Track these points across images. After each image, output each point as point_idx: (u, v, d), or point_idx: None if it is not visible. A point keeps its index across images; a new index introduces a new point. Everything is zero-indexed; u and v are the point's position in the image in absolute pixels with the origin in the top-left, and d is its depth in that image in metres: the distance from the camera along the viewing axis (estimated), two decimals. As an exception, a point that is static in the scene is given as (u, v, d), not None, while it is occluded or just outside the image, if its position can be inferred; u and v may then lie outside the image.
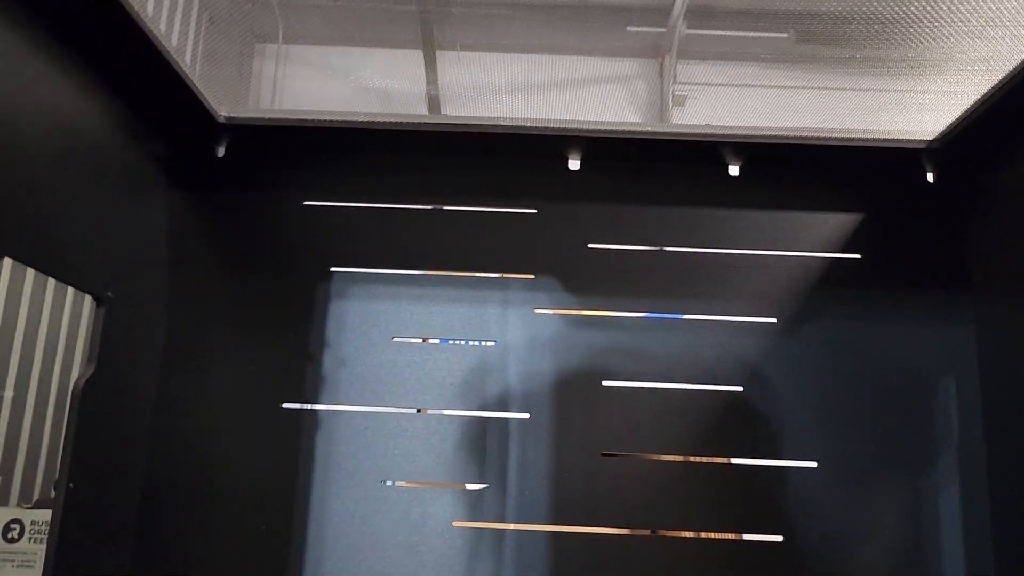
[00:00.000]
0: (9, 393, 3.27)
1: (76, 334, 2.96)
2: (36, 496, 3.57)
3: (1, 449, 3.42)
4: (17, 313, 2.97)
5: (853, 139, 1.17)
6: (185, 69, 1.06)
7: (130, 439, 1.14)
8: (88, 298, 1.02)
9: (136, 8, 0.93)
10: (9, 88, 0.83)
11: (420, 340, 1.22)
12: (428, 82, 2.26)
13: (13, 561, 2.80)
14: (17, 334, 2.89)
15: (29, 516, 2.83)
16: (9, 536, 2.80)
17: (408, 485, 1.18)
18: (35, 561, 2.82)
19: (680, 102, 3.23)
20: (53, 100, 0.91)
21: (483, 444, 1.19)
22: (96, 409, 1.03)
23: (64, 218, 0.95)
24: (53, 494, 2.66)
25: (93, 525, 1.05)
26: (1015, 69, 0.96)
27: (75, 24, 0.91)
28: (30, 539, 2.79)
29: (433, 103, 2.36)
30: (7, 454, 3.44)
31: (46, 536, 2.76)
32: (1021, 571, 1.04)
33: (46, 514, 2.82)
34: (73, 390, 1.02)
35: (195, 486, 1.17)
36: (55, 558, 0.97)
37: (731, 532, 1.15)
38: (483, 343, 1.22)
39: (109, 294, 1.05)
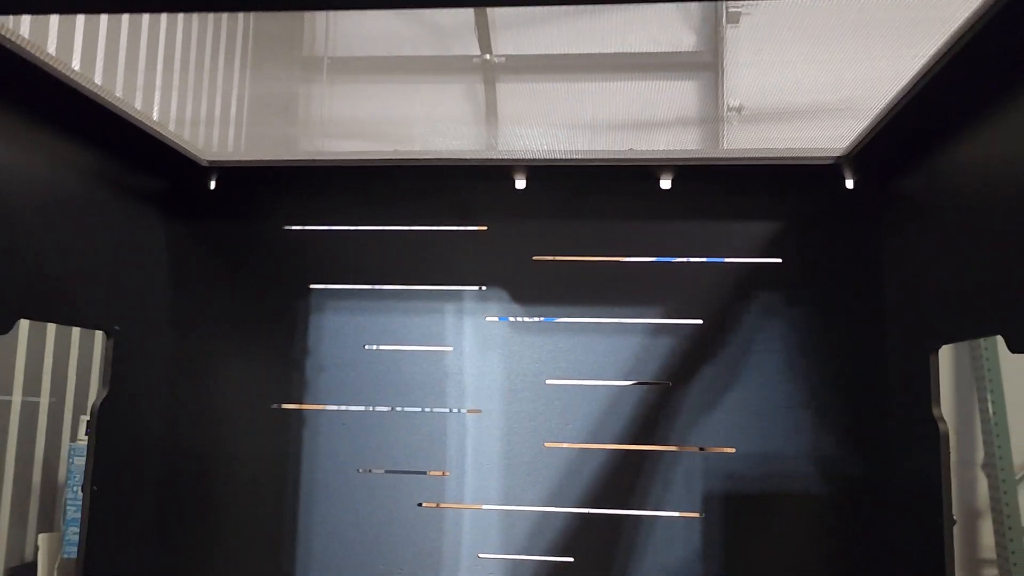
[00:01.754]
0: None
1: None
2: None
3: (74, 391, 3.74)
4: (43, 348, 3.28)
5: (773, 157, 1.27)
6: (163, 132, 1.21)
7: (146, 445, 1.35)
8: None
9: (104, 94, 1.08)
10: (5, 169, 1.00)
11: (388, 347, 1.39)
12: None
13: None
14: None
15: None
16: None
17: (381, 472, 1.38)
18: None
19: (734, 19, 3.26)
20: (42, 172, 1.08)
21: (443, 437, 1.37)
22: (112, 424, 1.24)
23: (69, 270, 1.13)
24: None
25: (117, 520, 1.27)
26: (915, 76, 1.03)
27: (54, 108, 1.07)
28: None
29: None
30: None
31: None
32: (905, 556, 1.18)
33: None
34: (91, 410, 1.23)
35: (205, 480, 1.38)
36: (85, 553, 1.19)
37: (659, 510, 1.32)
38: (442, 348, 1.39)
39: (116, 327, 1.24)
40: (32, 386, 3.36)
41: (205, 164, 1.33)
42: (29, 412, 3.32)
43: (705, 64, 3.24)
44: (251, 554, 1.36)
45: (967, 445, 3.99)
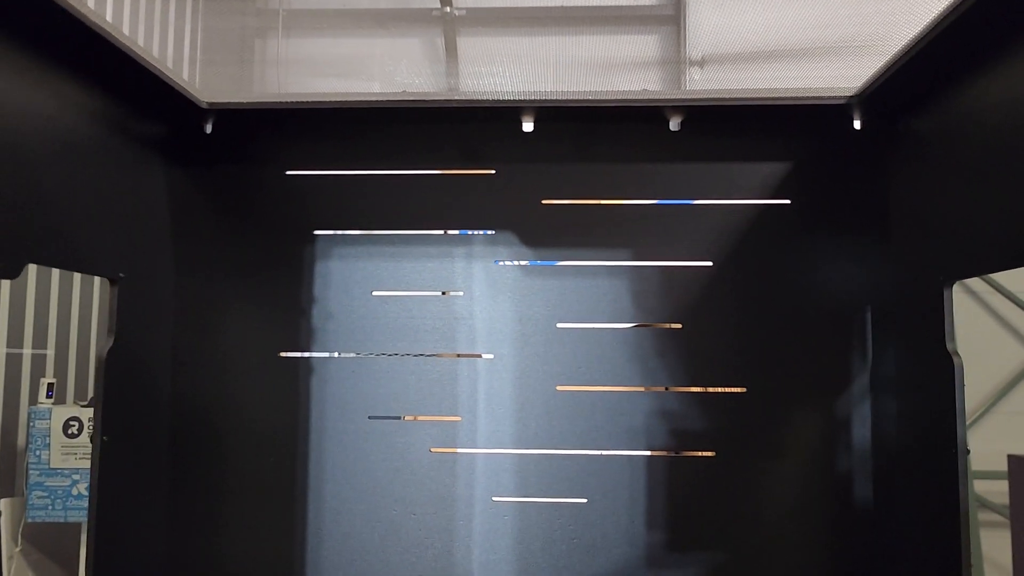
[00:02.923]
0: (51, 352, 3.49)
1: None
2: (91, 395, 3.82)
3: (53, 356, 3.66)
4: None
5: (783, 97, 1.27)
6: (165, 71, 1.16)
7: (153, 394, 1.32)
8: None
9: (111, 29, 1.03)
10: (12, 110, 0.95)
11: (397, 293, 1.37)
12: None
13: (75, 454, 3.07)
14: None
15: (86, 413, 3.08)
16: (69, 432, 3.06)
17: (390, 419, 1.36)
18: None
19: None
20: (50, 114, 1.03)
21: (455, 382, 1.36)
22: (119, 373, 1.20)
23: (73, 216, 1.09)
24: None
25: (128, 470, 1.23)
26: (933, 21, 1.04)
27: (62, 45, 1.02)
28: (89, 434, 3.05)
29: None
30: (59, 357, 3.69)
31: None
32: (918, 484, 1.21)
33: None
34: (96, 360, 1.19)
35: (213, 429, 1.35)
36: (97, 503, 1.15)
37: (671, 451, 1.33)
38: (451, 293, 1.37)
39: (121, 275, 1.20)
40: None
41: (205, 106, 1.29)
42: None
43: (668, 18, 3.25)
44: (262, 503, 1.34)
45: (919, 393, 4.11)
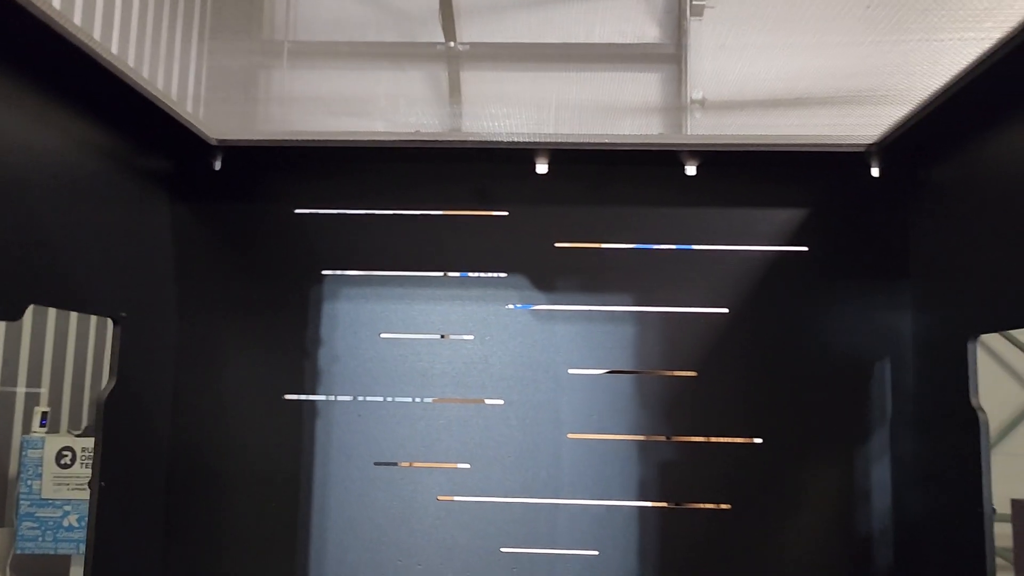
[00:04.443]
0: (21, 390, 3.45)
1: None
2: (84, 424, 3.77)
3: (49, 381, 3.62)
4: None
5: (800, 144, 1.26)
6: (173, 107, 1.14)
7: (152, 436, 1.28)
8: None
9: (117, 62, 1.01)
10: (13, 146, 0.92)
11: (405, 336, 1.34)
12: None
13: (68, 484, 3.02)
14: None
15: (80, 443, 3.04)
16: (62, 462, 3.01)
17: (398, 465, 1.32)
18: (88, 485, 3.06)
19: (698, 12, 3.27)
20: (53, 149, 1.00)
21: (464, 428, 1.32)
22: (119, 416, 1.16)
23: (76, 254, 1.06)
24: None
25: (125, 515, 1.19)
26: (957, 75, 1.02)
27: (66, 78, 1.00)
28: (82, 464, 3.01)
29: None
30: (54, 385, 3.64)
31: None
32: (942, 547, 1.17)
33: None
34: (96, 403, 1.15)
35: (212, 473, 1.32)
36: (93, 551, 1.11)
37: (685, 503, 1.30)
38: (462, 337, 1.34)
39: (123, 314, 1.16)
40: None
41: (214, 143, 1.26)
42: (-19, 405, 3.20)
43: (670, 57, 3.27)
44: (262, 550, 1.30)
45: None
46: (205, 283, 1.34)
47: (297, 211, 1.36)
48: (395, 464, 1.32)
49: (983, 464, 1.07)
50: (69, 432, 3.47)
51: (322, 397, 1.34)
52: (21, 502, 3.01)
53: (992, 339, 4.03)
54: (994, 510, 1.08)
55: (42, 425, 3.39)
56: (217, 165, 1.33)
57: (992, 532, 1.07)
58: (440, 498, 1.31)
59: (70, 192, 1.05)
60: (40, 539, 2.97)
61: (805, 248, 1.32)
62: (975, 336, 1.10)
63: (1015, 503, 3.01)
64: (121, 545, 1.19)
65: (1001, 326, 1.06)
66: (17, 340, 3.36)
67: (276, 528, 1.31)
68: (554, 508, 1.31)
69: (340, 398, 1.34)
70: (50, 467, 2.99)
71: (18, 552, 2.97)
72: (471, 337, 1.34)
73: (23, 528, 2.97)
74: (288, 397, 1.34)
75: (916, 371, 1.25)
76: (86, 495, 3.19)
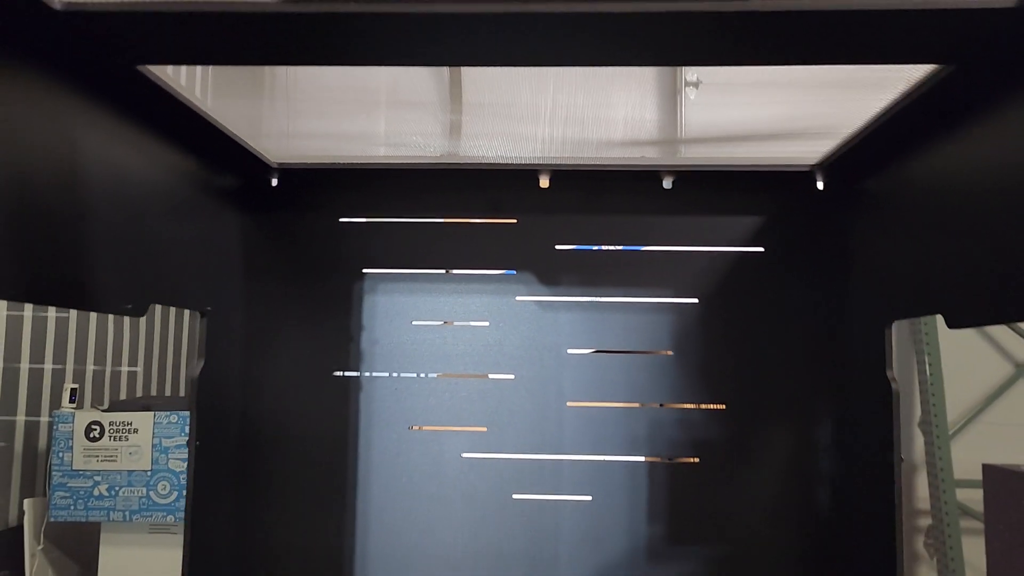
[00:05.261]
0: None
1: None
2: (107, 400, 4.12)
3: (72, 362, 3.97)
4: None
5: (758, 165, 1.61)
6: (242, 137, 1.49)
7: (228, 406, 1.63)
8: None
9: (200, 105, 1.35)
10: (133, 180, 1.27)
11: (433, 323, 1.70)
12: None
13: (97, 456, 3.34)
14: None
15: (107, 418, 3.36)
16: (91, 436, 3.32)
17: (428, 429, 1.69)
18: (116, 456, 3.38)
19: (693, 85, 3.61)
20: (156, 178, 1.33)
21: (482, 398, 1.69)
22: (206, 389, 1.52)
23: (175, 261, 1.41)
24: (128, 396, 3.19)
25: (210, 468, 1.56)
26: (881, 110, 1.34)
27: (165, 120, 1.32)
28: (110, 437, 3.32)
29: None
30: (77, 366, 3.99)
31: (125, 434, 3.31)
32: (867, 486, 1.54)
33: (124, 416, 3.37)
34: (190, 379, 1.51)
35: (273, 437, 1.67)
36: (193, 498, 1.48)
37: (663, 457, 1.67)
38: (479, 324, 1.70)
39: (208, 308, 1.52)
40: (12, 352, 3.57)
41: (274, 165, 1.61)
42: (10, 381, 3.53)
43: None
44: (316, 499, 1.66)
45: (905, 405, 4.46)
46: (266, 281, 1.70)
47: (341, 220, 1.71)
48: (425, 428, 1.69)
49: (894, 421, 1.43)
50: (94, 407, 3.81)
51: (364, 374, 1.69)
52: (53, 473, 3.24)
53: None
54: (902, 459, 1.45)
55: (71, 401, 3.73)
56: (274, 182, 1.68)
57: (900, 475, 1.44)
58: (463, 455, 1.68)
59: (170, 211, 1.39)
60: (72, 507, 3.24)
61: (762, 249, 1.68)
62: (892, 321, 1.46)
63: (986, 468, 3.34)
64: (209, 491, 1.56)
65: (912, 314, 1.42)
66: (44, 320, 3.71)
67: (327, 481, 1.68)
68: (557, 463, 1.67)
69: (379, 374, 1.69)
70: (80, 440, 3.25)
71: (51, 520, 3.24)
72: (487, 324, 1.70)
73: (56, 497, 3.23)
74: (336, 374, 1.69)
75: (850, 349, 1.61)
76: (115, 466, 3.58)
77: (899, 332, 4.49)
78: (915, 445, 4.42)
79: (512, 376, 1.68)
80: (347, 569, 1.65)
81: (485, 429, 1.68)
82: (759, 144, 2.18)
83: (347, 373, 1.69)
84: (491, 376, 1.69)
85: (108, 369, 4.20)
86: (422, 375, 1.69)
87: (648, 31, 0.95)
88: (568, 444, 1.66)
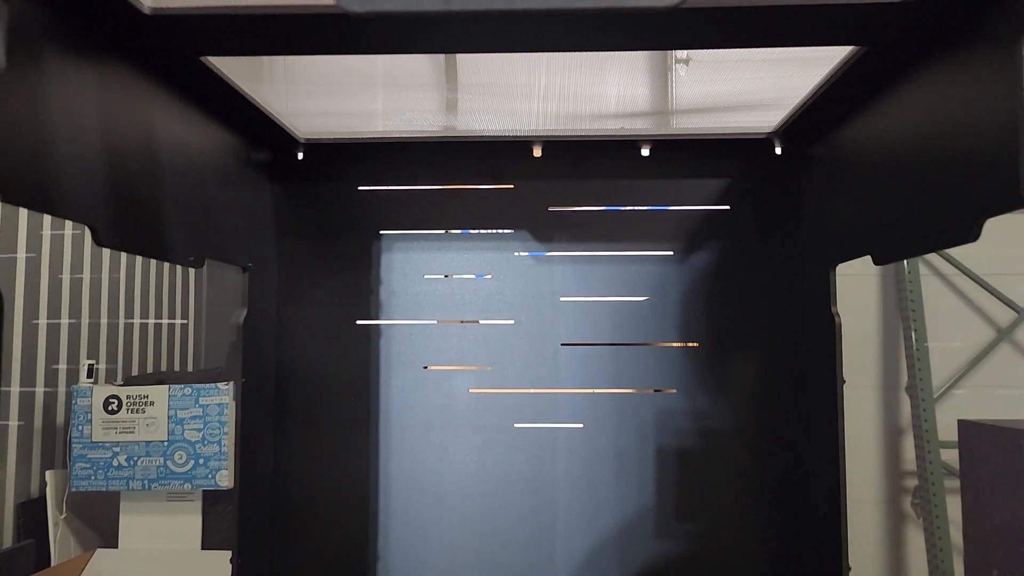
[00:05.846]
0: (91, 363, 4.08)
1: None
2: (119, 377, 4.43)
3: (87, 342, 4.27)
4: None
5: (724, 133, 1.93)
6: (276, 114, 1.81)
7: (266, 351, 1.95)
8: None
9: (243, 86, 1.66)
10: (191, 145, 1.56)
11: (442, 276, 2.03)
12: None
13: (115, 428, 3.62)
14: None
15: (124, 391, 3.65)
16: (110, 409, 3.61)
17: (439, 369, 2.02)
18: (134, 428, 3.68)
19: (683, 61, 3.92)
20: (207, 151, 1.59)
21: (486, 341, 2.02)
22: (249, 334, 1.84)
23: (224, 223, 1.73)
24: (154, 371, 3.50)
25: (253, 404, 1.88)
26: (818, 83, 1.57)
27: (215, 101, 1.57)
28: (128, 410, 3.61)
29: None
30: (91, 347, 4.29)
31: (142, 407, 3.61)
32: (815, 407, 1.87)
33: (140, 389, 3.67)
34: (235, 325, 1.83)
35: (305, 378, 1.99)
36: (241, 426, 1.80)
37: (645, 389, 1.99)
38: (482, 276, 2.03)
39: (249, 264, 1.84)
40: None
41: (302, 140, 1.94)
42: (28, 357, 3.82)
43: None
44: (343, 430, 1.97)
45: (892, 371, 4.78)
46: (296, 242, 2.01)
47: (360, 188, 2.02)
48: (437, 368, 2.02)
49: (837, 348, 1.75)
50: (108, 382, 4.11)
51: (384, 322, 2.00)
52: (73, 445, 3.46)
53: (960, 279, 4.70)
54: (844, 380, 1.78)
55: (89, 376, 4.03)
56: (300, 156, 2.00)
57: (842, 395, 1.76)
58: (471, 391, 2.01)
59: (220, 181, 1.70)
60: (92, 478, 3.47)
61: (728, 207, 1.98)
62: (835, 264, 1.79)
63: (961, 423, 3.62)
64: (254, 424, 1.88)
65: (850, 257, 1.73)
66: (58, 300, 4.01)
67: (353, 415, 1.98)
68: (553, 396, 1.98)
69: (396, 322, 2.00)
70: (99, 413, 3.49)
71: (73, 490, 3.49)
72: (490, 276, 2.01)
73: (76, 468, 3.46)
74: (359, 322, 2.00)
75: (802, 290, 1.92)
76: (132, 437, 3.90)
77: (886, 302, 4.81)
78: (902, 410, 4.75)
79: (512, 321, 2.00)
80: (372, 489, 1.98)
81: (489, 368, 2.00)
82: (725, 115, 2.51)
83: (368, 321, 2.01)
84: (494, 322, 2.01)
85: (121, 348, 4.52)
86: (434, 322, 2.02)
87: (610, 24, 1.27)
88: (562, 379, 1.99)
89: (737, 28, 1.28)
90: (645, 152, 1.94)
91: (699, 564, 1.93)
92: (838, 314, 1.74)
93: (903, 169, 1.41)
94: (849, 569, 1.67)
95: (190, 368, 5.31)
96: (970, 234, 1.19)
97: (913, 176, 1.37)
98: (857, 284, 4.82)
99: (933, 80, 1.30)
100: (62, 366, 4.04)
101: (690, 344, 1.96)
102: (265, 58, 3.87)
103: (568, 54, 2.92)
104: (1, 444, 3.74)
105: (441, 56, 3.16)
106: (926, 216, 1.32)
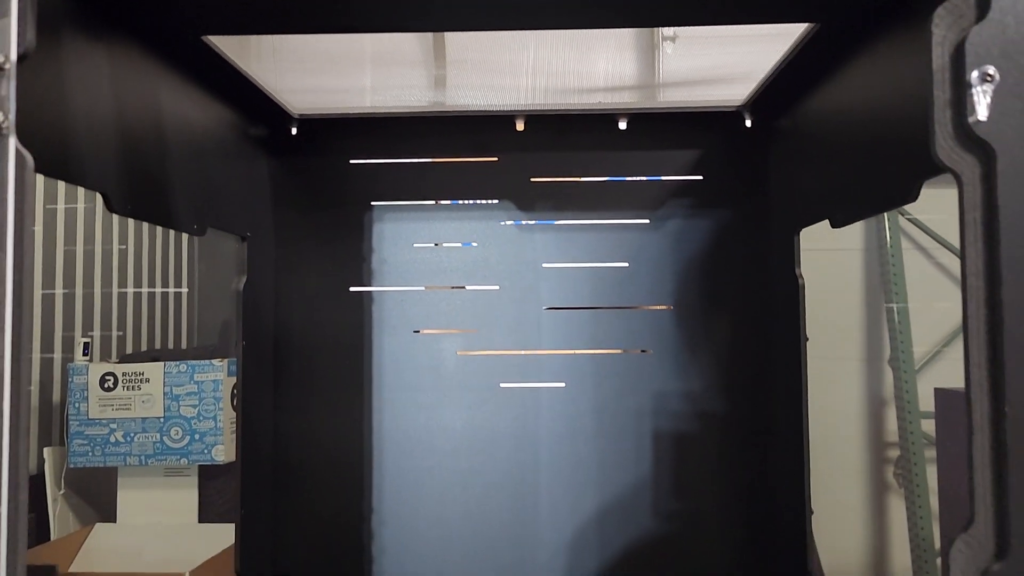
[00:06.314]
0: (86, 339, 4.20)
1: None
2: (115, 354, 4.56)
3: (81, 317, 4.38)
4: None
5: (697, 107, 2.08)
6: (271, 91, 1.94)
7: (264, 317, 2.09)
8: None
9: (240, 64, 1.80)
10: (193, 119, 1.69)
11: (431, 245, 2.17)
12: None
13: (112, 405, 3.72)
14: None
15: (120, 369, 3.76)
16: (106, 386, 3.72)
17: (429, 332, 2.16)
18: (130, 405, 3.80)
19: (671, 38, 4.06)
20: (208, 125, 1.72)
21: (473, 306, 2.16)
22: (248, 300, 1.98)
23: (224, 194, 1.86)
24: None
25: (253, 367, 2.03)
26: (782, 57, 1.71)
27: (215, 78, 1.70)
28: (123, 387, 3.72)
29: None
30: (86, 321, 4.41)
31: (138, 384, 3.72)
32: (781, 363, 2.02)
33: (136, 367, 3.79)
34: (235, 291, 1.97)
35: (301, 343, 2.13)
36: (242, 387, 1.94)
37: (623, 349, 2.15)
38: (469, 245, 2.17)
39: (248, 234, 1.98)
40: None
41: (296, 116, 2.08)
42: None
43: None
44: (338, 389, 2.10)
45: (875, 344, 4.94)
46: (291, 213, 2.15)
47: (351, 161, 2.17)
48: (427, 332, 2.17)
49: (800, 307, 1.89)
50: (103, 360, 4.22)
51: (376, 288, 2.14)
52: (71, 422, 3.53)
53: (941, 253, 4.84)
54: (807, 337, 1.93)
55: (84, 354, 4.15)
56: (294, 131, 2.14)
57: (806, 354, 1.92)
58: (459, 353, 2.15)
59: (221, 154, 1.83)
60: (90, 454, 3.53)
61: (701, 177, 2.13)
62: (800, 229, 1.94)
63: (937, 391, 3.75)
64: (253, 386, 2.03)
65: (811, 222, 1.87)
66: (53, 279, 4.13)
67: (347, 377, 2.12)
68: (536, 357, 2.12)
69: (388, 289, 2.13)
70: (95, 391, 3.55)
71: (71, 466, 3.56)
72: (476, 244, 2.14)
73: (74, 445, 3.52)
74: (352, 289, 2.14)
75: (769, 255, 2.08)
76: (129, 413, 4.03)
77: (869, 276, 4.96)
78: (884, 382, 4.89)
79: (497, 287, 2.15)
80: (366, 447, 2.13)
81: (476, 331, 2.15)
82: (700, 88, 2.67)
83: (361, 288, 2.15)
84: (480, 287, 2.15)
85: (115, 330, 4.65)
86: (423, 288, 2.16)
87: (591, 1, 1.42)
88: (545, 341, 2.14)
89: (702, 5, 1.42)
90: (623, 125, 2.08)
91: (672, 504, 2.09)
92: (801, 276, 1.89)
93: (855, 139, 1.54)
94: (812, 512, 1.83)
95: (184, 344, 5.44)
96: (910, 195, 1.33)
97: (863, 145, 1.51)
98: (841, 258, 4.96)
99: (879, 56, 1.43)
100: (57, 354, 4.12)
101: (664, 307, 2.11)
102: (254, 37, 4.00)
103: (554, 32, 3.07)
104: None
105: (430, 34, 3.30)
106: (875, 181, 1.46)
